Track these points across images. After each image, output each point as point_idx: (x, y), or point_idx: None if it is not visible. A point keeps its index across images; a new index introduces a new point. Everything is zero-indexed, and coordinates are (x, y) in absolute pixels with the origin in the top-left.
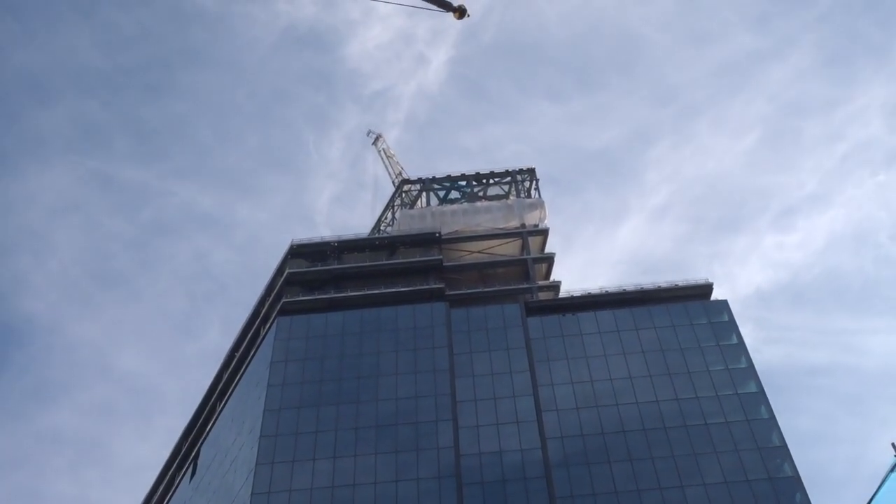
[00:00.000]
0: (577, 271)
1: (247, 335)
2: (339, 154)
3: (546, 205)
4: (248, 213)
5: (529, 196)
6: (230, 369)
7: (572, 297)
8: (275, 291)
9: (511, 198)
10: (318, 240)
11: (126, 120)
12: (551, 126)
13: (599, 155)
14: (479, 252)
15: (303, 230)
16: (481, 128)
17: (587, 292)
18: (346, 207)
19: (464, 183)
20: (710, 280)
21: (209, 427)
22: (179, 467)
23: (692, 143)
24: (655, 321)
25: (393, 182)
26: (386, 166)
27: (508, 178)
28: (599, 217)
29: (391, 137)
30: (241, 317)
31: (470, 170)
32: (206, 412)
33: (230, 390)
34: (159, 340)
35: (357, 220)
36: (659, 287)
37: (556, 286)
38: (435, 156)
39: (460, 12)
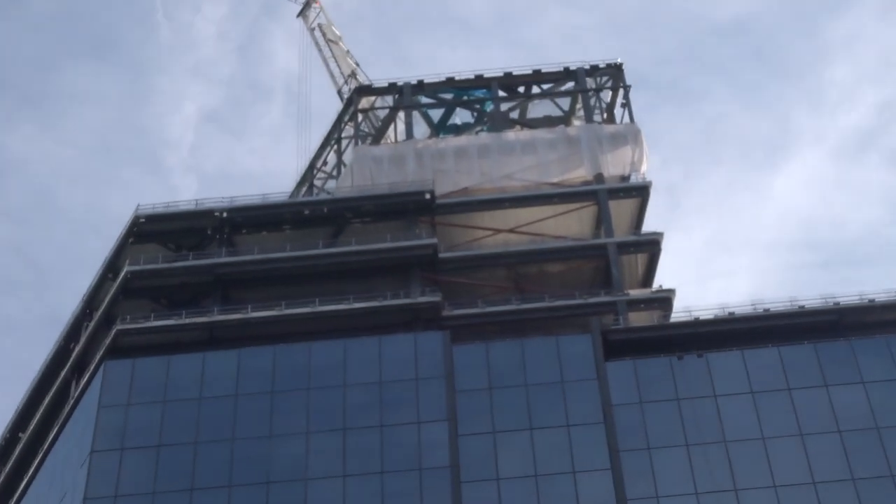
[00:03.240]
0: (692, 264)
1: (41, 399)
2: (218, 29)
3: (644, 137)
4: (34, 145)
5: (611, 118)
6: (6, 471)
7: (696, 322)
8: (100, 310)
9: (575, 122)
10: (187, 206)
11: None
12: None
13: (734, 30)
14: (509, 231)
15: (150, 184)
16: None
17: (727, 310)
18: (234, 137)
19: (483, 91)
20: None
21: None
22: None
23: None
24: (863, 369)
25: (338, 91)
26: (324, 60)
27: (569, 84)
28: (735, 154)
29: (335, 7)
30: (30, 364)
31: (492, 69)
32: None
33: None
34: None
35: (260, 165)
36: (870, 301)
37: (664, 298)
38: (417, 43)
39: None
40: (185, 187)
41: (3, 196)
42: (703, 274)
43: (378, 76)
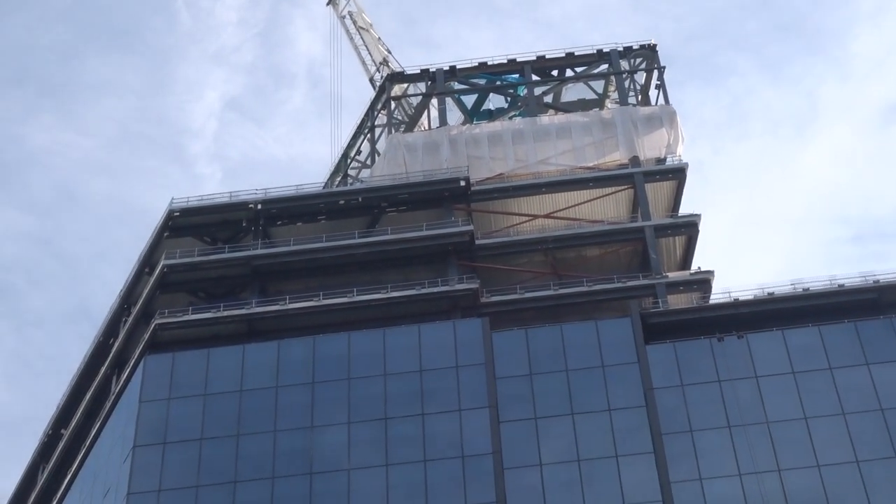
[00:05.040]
0: (722, 241)
1: (82, 396)
2: (239, 15)
3: (679, 119)
4: (56, 137)
5: (646, 100)
6: (50, 468)
7: (736, 303)
8: (138, 305)
9: (609, 105)
10: (221, 199)
11: None
12: None
13: (760, 4)
14: (545, 216)
15: (174, 173)
16: None
17: (766, 291)
18: (257, 124)
19: (515, 76)
20: None
21: None
22: None
23: None
24: None
25: (370, 79)
26: (355, 48)
27: (603, 67)
28: (763, 129)
29: None
30: (61, 357)
31: (524, 53)
32: None
33: None
34: None
35: (284, 152)
36: None
37: (702, 280)
38: (439, 25)
39: None
40: (210, 176)
41: (27, 188)
42: (733, 251)
43: (401, 60)
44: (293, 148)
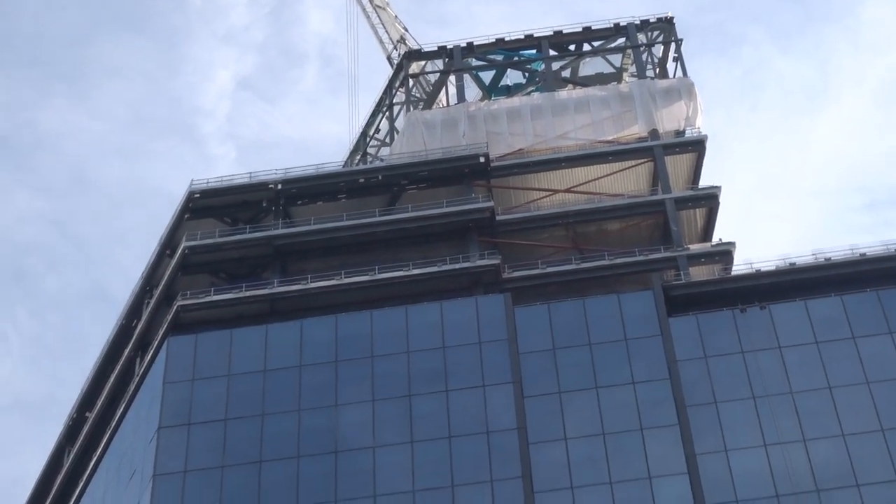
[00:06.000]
0: (737, 212)
1: (106, 379)
2: None
3: (698, 90)
4: (67, 120)
5: (663, 73)
6: (75, 451)
7: (758, 274)
8: (160, 287)
9: (627, 78)
10: (241, 179)
11: None
12: None
13: None
14: (565, 191)
15: (187, 154)
16: None
17: (788, 261)
18: (270, 104)
19: (532, 51)
20: None
21: None
22: None
23: None
24: None
25: (388, 57)
26: (372, 26)
27: (620, 41)
28: (776, 99)
29: None
30: (80, 339)
31: (541, 28)
32: None
33: (73, 501)
34: None
35: (297, 131)
36: None
37: (724, 251)
38: (458, 7)
39: None
40: (224, 156)
41: (39, 172)
42: (749, 222)
43: (425, 37)
44: (306, 127)
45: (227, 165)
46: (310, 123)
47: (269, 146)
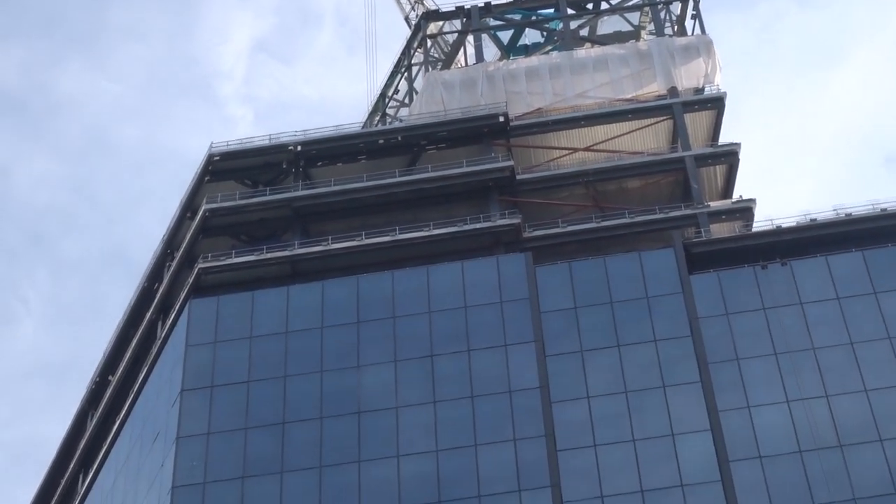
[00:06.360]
0: (755, 169)
1: (128, 342)
2: None
3: (716, 47)
4: (85, 83)
5: (682, 30)
6: (98, 414)
7: (779, 230)
8: (181, 250)
9: (645, 36)
10: (261, 141)
11: None
12: None
13: None
14: (585, 150)
15: (205, 116)
16: None
17: (808, 217)
18: (286, 65)
19: (550, 10)
20: None
21: None
22: None
23: None
24: None
25: (406, 18)
26: None
27: None
28: (793, 55)
29: None
30: (107, 305)
31: None
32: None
33: (97, 464)
34: None
35: (315, 92)
36: None
37: (745, 208)
38: None
39: None
40: (241, 118)
41: (58, 135)
42: (767, 178)
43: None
44: (323, 87)
45: (245, 127)
46: (327, 84)
47: (286, 107)
